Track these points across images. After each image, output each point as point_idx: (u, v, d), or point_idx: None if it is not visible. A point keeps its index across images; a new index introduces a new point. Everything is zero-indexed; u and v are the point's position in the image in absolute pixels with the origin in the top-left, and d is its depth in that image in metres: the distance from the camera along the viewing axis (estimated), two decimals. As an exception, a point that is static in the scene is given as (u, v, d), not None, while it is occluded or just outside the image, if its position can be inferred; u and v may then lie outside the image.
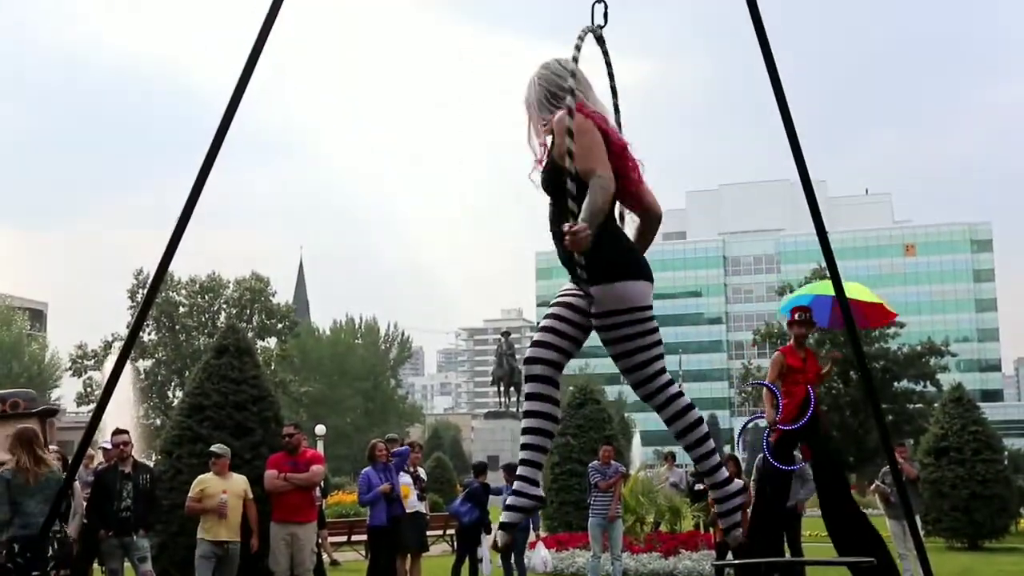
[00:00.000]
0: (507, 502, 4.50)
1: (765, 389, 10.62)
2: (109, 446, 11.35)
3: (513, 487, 4.49)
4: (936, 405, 29.29)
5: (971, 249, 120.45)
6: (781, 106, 5.65)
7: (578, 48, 4.47)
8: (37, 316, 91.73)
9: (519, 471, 4.43)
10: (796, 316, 10.97)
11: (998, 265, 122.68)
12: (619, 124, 4.77)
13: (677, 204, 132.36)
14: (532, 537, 15.02)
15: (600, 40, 4.71)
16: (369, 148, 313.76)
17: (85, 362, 64.68)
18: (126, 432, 11.10)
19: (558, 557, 16.34)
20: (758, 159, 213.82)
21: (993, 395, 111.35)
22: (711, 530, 16.02)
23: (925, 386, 55.36)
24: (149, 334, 66.91)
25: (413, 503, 13.29)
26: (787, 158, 5.64)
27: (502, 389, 49.61)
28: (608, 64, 4.83)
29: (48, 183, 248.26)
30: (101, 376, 59.06)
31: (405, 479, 13.15)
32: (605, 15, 4.73)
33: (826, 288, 11.23)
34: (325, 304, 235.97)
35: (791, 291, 57.72)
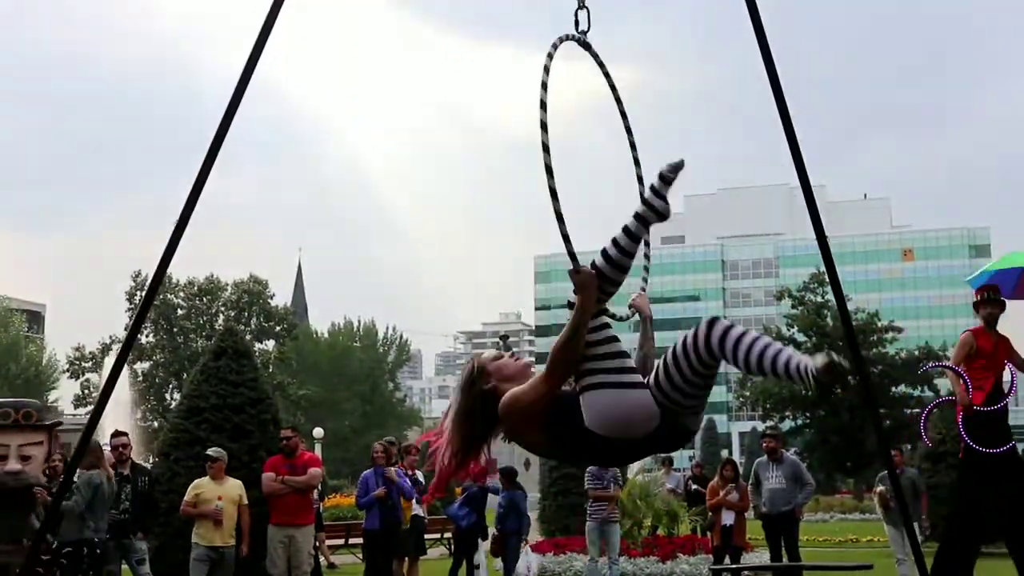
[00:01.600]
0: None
1: (951, 372, 9.36)
2: (108, 448, 11.36)
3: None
4: (934, 410, 29.28)
5: (969, 254, 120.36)
6: (781, 110, 5.66)
7: (550, 56, 4.40)
8: (35, 317, 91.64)
9: None
10: (982, 296, 9.46)
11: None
12: (627, 127, 4.66)
13: (675, 208, 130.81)
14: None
15: (586, 45, 4.70)
16: (369, 150, 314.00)
17: (83, 364, 64.68)
18: (125, 434, 11.11)
19: (556, 560, 16.34)
20: (757, 164, 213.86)
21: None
22: (708, 534, 16.03)
23: (923, 391, 55.39)
24: (147, 336, 66.88)
25: (412, 507, 13.29)
26: (786, 162, 5.65)
27: (500, 392, 49.57)
28: (601, 66, 4.77)
29: (46, 185, 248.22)
30: (99, 378, 59.08)
31: (410, 491, 13.11)
32: (588, 20, 4.74)
33: (1014, 260, 10.10)
34: (324, 307, 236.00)
35: (789, 295, 58.21)
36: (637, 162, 4.63)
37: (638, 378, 3.88)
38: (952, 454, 21.13)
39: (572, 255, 4.15)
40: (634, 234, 4.04)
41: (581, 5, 4.74)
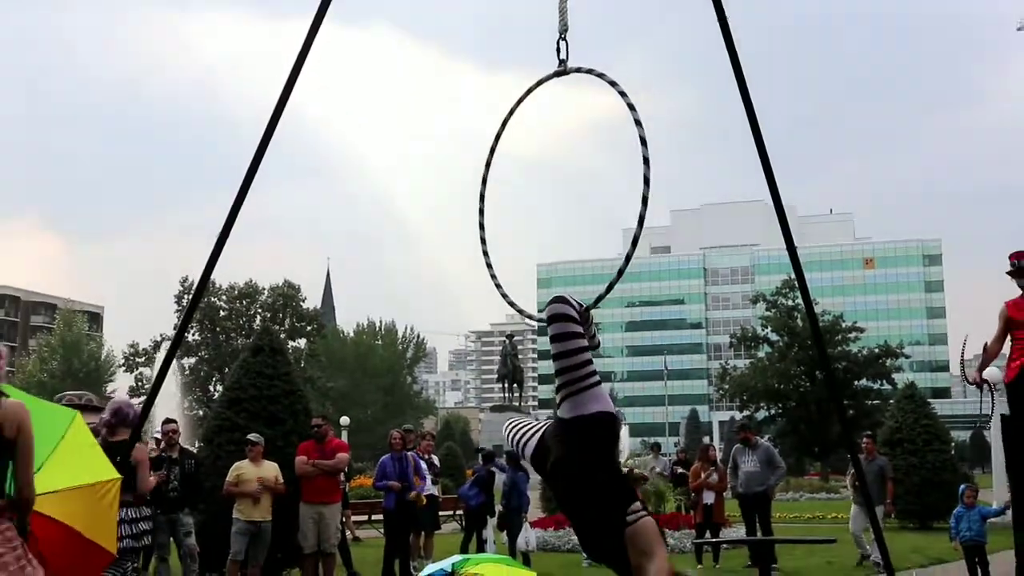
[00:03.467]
0: None
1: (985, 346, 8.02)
2: (159, 436, 11.36)
3: None
4: (891, 401, 29.28)
5: (923, 263, 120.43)
6: (756, 135, 5.66)
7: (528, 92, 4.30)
8: (94, 318, 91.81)
9: None
10: (1014, 264, 8.11)
11: (947, 277, 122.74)
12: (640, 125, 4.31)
13: (662, 221, 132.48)
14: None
15: (566, 72, 4.65)
16: (389, 170, 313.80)
17: (136, 359, 64.76)
18: (174, 421, 11.12)
19: (555, 535, 16.32)
20: (736, 181, 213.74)
21: (942, 392, 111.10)
22: (691, 512, 16.00)
23: (882, 384, 55.30)
24: (193, 335, 66.94)
25: (428, 487, 13.29)
26: (762, 181, 5.65)
27: (506, 385, 49.72)
28: (612, 84, 4.51)
29: (105, 199, 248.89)
30: (151, 372, 59.16)
31: (427, 486, 13.12)
32: (567, 49, 4.68)
33: None
34: (349, 309, 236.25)
35: (764, 300, 58.14)
36: (646, 161, 4.29)
37: None
38: (908, 440, 21.14)
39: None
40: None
41: (562, 36, 4.68)
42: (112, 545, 5.50)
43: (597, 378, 3.89)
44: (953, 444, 25.37)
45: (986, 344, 7.41)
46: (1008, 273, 8.16)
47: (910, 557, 13.83)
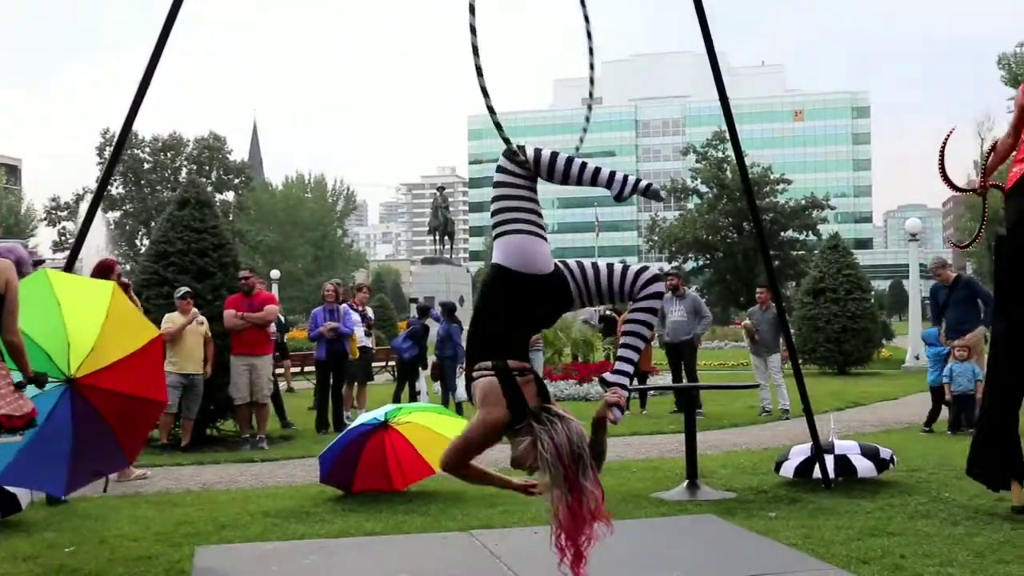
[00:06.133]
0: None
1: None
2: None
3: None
4: (816, 252, 29.90)
5: (851, 115, 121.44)
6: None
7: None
8: (12, 171, 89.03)
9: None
10: None
11: (873, 129, 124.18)
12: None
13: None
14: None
15: None
16: (316, 17, 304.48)
17: (59, 213, 63.39)
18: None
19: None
20: (668, 32, 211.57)
21: (865, 243, 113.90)
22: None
23: (807, 235, 56.41)
24: (117, 188, 65.56)
25: (361, 339, 13.37)
26: (693, 32, 5.59)
27: (437, 238, 49.64)
28: None
29: (22, 44, 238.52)
30: (74, 226, 57.95)
31: (359, 328, 13.18)
32: None
33: None
34: (277, 162, 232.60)
35: (695, 151, 58.42)
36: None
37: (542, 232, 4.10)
38: (831, 289, 21.71)
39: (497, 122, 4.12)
40: None
41: None
42: (163, 393, 6.15)
43: (507, 228, 4.03)
44: (873, 293, 26.10)
45: (995, 143, 6.46)
46: None
47: (828, 401, 14.35)
